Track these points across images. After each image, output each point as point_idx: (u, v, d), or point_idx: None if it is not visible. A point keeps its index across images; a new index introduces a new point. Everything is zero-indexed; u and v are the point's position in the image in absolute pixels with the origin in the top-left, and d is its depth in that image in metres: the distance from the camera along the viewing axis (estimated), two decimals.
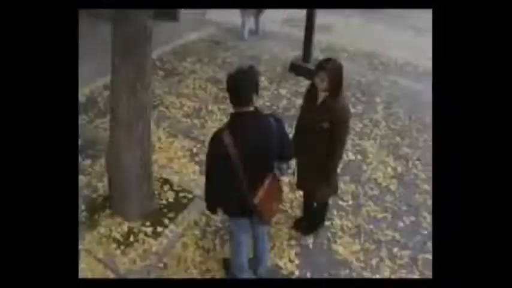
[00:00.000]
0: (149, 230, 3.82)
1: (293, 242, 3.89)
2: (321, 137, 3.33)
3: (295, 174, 3.75)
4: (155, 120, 5.47)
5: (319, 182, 3.53)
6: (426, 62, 6.81)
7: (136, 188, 3.72)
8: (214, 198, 2.96)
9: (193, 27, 8.24)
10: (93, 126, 5.27)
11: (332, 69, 3.13)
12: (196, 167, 4.64)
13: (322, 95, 3.26)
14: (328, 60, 3.19)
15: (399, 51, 7.72)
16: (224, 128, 2.72)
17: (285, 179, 4.49)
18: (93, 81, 6.00)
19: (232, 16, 8.88)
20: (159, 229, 3.84)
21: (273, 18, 9.25)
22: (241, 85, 2.61)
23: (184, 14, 8.40)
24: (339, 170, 3.83)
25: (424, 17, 9.02)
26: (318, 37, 7.00)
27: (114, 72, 3.18)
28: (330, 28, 8.51)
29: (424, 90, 6.31)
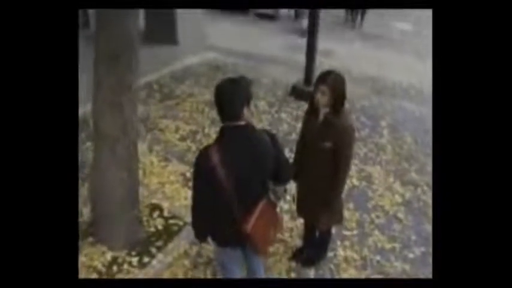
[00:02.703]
0: (135, 260, 3.48)
1: (292, 275, 3.55)
2: (323, 158, 3.04)
3: (295, 199, 3.44)
4: (148, 144, 5.24)
5: (321, 208, 3.21)
6: (430, 85, 6.60)
7: (122, 213, 3.41)
8: (202, 225, 2.63)
9: (193, 51, 8.10)
10: (84, 149, 5.00)
11: (334, 82, 2.86)
12: (189, 193, 4.29)
13: (323, 112, 2.98)
14: (329, 72, 2.92)
15: (402, 75, 7.54)
16: (212, 144, 2.42)
17: (284, 205, 4.20)
18: (86, 101, 5.76)
19: (233, 42, 8.80)
20: (146, 259, 3.50)
21: (274, 43, 9.19)
22: (230, 97, 2.32)
23: (184, 38, 8.29)
24: (343, 196, 3.51)
25: (425, 43, 8.92)
26: (319, 61, 6.83)
27: (96, 84, 2.92)
28: (331, 53, 8.38)
29: (431, 114, 6.05)
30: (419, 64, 8.11)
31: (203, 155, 2.40)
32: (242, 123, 2.38)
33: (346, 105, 3.00)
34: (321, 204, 3.19)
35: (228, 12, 11.18)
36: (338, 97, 2.88)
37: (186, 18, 8.24)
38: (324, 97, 2.89)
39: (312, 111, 3.09)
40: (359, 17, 10.89)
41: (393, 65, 8.02)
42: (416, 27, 10.70)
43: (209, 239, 2.73)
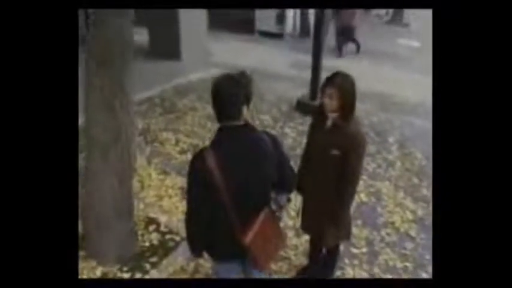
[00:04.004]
0: (126, 275, 3.23)
1: None
2: (330, 168, 2.81)
3: (300, 214, 3.19)
4: (147, 156, 5.03)
5: (328, 223, 2.97)
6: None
7: (113, 225, 3.17)
8: (198, 237, 2.37)
9: (196, 67, 7.99)
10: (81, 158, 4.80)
11: (342, 83, 2.66)
12: None
13: (331, 117, 2.77)
14: (336, 73, 2.72)
15: (410, 91, 7.36)
16: (208, 146, 2.19)
17: (289, 221, 3.96)
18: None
19: (238, 59, 8.70)
20: (138, 275, 3.25)
21: (278, 60, 9.10)
22: (228, 94, 2.09)
23: (188, 54, 8.21)
24: (351, 211, 3.27)
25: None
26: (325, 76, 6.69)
27: (88, 86, 2.73)
28: (337, 69, 8.23)
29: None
30: (427, 81, 7.93)
31: (198, 157, 2.17)
32: (241, 123, 2.17)
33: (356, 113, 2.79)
34: (328, 219, 2.96)
35: (232, 31, 11.13)
36: (347, 100, 2.67)
37: (190, 35, 8.18)
38: (332, 101, 2.69)
39: (319, 118, 2.88)
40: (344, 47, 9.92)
41: (401, 82, 7.86)
42: (424, 44, 10.57)
43: (206, 255, 2.49)
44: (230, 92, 2.11)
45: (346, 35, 9.68)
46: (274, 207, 2.38)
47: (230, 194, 2.15)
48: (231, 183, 2.13)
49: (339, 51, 9.77)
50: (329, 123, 2.80)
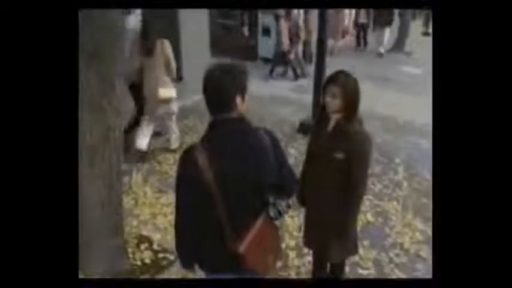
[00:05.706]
0: None
1: None
2: (334, 173, 2.61)
3: (302, 227, 2.97)
4: (143, 175, 4.83)
5: (333, 236, 2.74)
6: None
7: (100, 237, 2.94)
8: (187, 247, 2.14)
9: (198, 89, 7.87)
10: None
11: (346, 82, 2.50)
12: None
13: (334, 118, 2.60)
14: (339, 71, 2.56)
15: (414, 114, 7.19)
16: (197, 143, 1.98)
17: (291, 241, 3.71)
18: None
19: None
20: None
21: (281, 85, 9.02)
22: (219, 83, 1.92)
23: (190, 76, 8.12)
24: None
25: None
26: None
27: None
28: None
29: None
30: (430, 104, 7.80)
31: (187, 155, 1.96)
32: (234, 115, 1.98)
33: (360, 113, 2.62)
34: (333, 231, 2.73)
35: (235, 57, 11.12)
36: (351, 99, 2.51)
37: (192, 58, 8.13)
38: (335, 100, 2.52)
39: (321, 120, 2.71)
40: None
41: (404, 105, 7.71)
42: (426, 71, 10.52)
43: (197, 268, 2.24)
44: (221, 81, 1.93)
45: (278, 57, 9.58)
46: (272, 213, 2.12)
47: (223, 195, 1.92)
48: (224, 184, 1.91)
49: (269, 73, 9.62)
50: (332, 124, 2.63)
